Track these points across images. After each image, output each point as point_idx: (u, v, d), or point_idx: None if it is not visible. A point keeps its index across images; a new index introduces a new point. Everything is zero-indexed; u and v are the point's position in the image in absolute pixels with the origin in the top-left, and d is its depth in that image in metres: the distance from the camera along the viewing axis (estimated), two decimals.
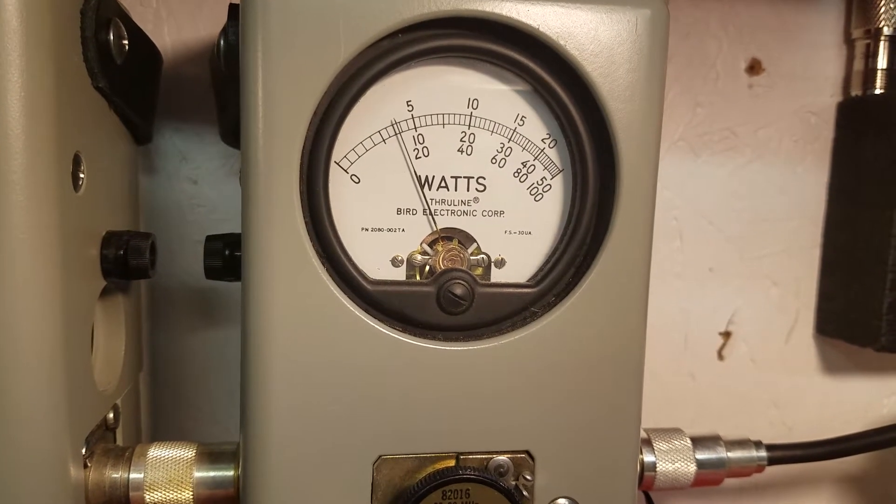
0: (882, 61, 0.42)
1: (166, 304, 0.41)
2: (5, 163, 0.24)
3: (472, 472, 0.27)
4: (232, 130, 0.36)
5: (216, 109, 0.37)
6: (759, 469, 0.37)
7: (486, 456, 0.28)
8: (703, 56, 0.43)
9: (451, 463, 0.28)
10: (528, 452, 0.29)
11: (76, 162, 0.28)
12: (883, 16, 0.42)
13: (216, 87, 0.36)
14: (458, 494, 0.27)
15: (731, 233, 0.45)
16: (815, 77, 0.44)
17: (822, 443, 0.38)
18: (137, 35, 0.33)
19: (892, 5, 0.41)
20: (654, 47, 0.28)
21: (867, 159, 0.42)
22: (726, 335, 0.46)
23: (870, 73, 0.42)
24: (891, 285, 0.39)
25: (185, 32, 0.40)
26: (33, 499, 0.27)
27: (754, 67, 0.44)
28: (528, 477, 0.29)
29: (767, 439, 0.37)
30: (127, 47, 0.31)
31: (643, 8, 0.28)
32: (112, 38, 0.29)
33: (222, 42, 0.30)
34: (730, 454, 0.36)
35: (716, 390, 0.47)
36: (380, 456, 0.28)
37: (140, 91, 0.35)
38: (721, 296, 0.46)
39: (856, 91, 0.43)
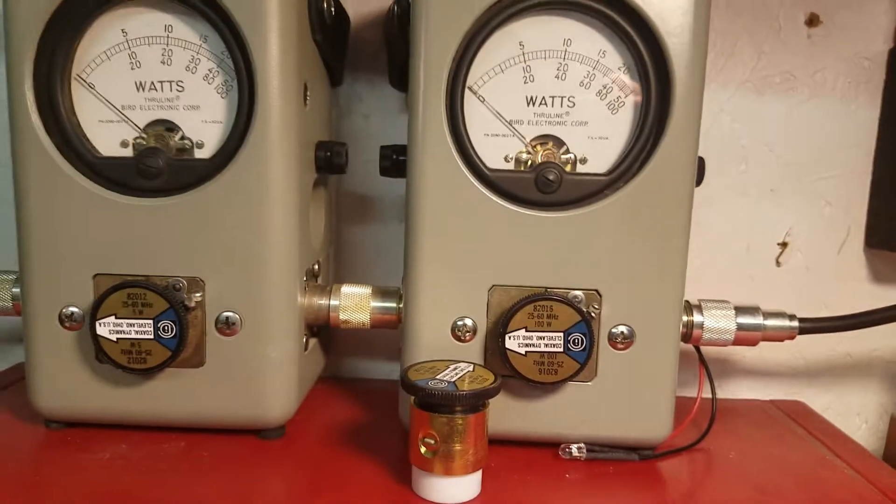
0: None
1: (346, 205, 0.54)
2: (269, 81, 0.37)
3: (555, 295, 0.37)
4: (398, 76, 0.47)
5: (387, 60, 0.48)
6: (791, 336, 0.44)
7: (566, 290, 0.38)
8: (767, 11, 0.50)
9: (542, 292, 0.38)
10: (597, 290, 0.39)
11: (305, 87, 0.40)
12: None
13: (388, 43, 0.47)
14: (544, 308, 0.37)
15: (790, 159, 0.52)
16: (868, 28, 0.50)
17: (848, 316, 0.45)
18: (338, 4, 0.45)
19: None
20: None
21: None
22: (783, 245, 0.53)
23: None
24: None
25: (362, 5, 0.52)
26: (280, 309, 0.39)
27: (812, 20, 0.50)
28: (596, 307, 0.38)
29: None
30: (333, 12, 0.43)
31: None
32: (325, 5, 0.41)
33: (396, 7, 0.42)
34: (766, 321, 0.43)
35: (772, 291, 0.54)
36: (493, 285, 0.39)
37: (338, 45, 0.47)
38: (780, 212, 0.53)
39: None
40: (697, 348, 0.45)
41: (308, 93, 0.41)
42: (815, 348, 0.54)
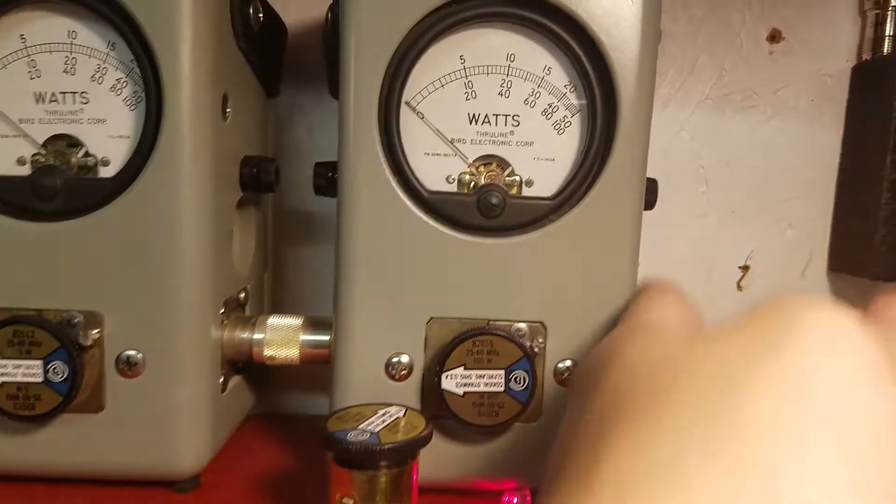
0: (889, 28, 0.44)
1: (286, 225, 0.50)
2: (178, 93, 0.33)
3: (496, 330, 0.34)
4: (337, 85, 0.44)
5: (326, 70, 0.45)
6: None
7: (509, 323, 0.35)
8: (729, 27, 0.47)
9: (483, 325, 0.35)
10: (541, 323, 0.35)
11: (225, 99, 0.36)
12: None
13: (327, 52, 0.44)
14: (484, 343, 0.33)
15: (751, 180, 0.49)
16: (830, 45, 0.47)
17: None
18: (269, 11, 0.41)
19: None
20: (648, 11, 0.33)
21: (871, 113, 0.44)
22: (745, 269, 0.50)
23: (878, 39, 0.45)
24: (883, 220, 0.42)
25: (305, 12, 0.48)
26: (190, 346, 0.34)
27: (775, 37, 0.47)
28: (541, 341, 0.35)
29: None
30: (261, 19, 0.39)
31: None
32: (251, 11, 0.38)
33: (330, 15, 0.38)
34: None
35: (734, 314, 0.51)
36: (431, 317, 0.35)
37: (269, 53, 0.43)
38: (741, 235, 0.50)
39: (866, 55, 0.46)
40: None
41: (229, 105, 0.37)
42: None
